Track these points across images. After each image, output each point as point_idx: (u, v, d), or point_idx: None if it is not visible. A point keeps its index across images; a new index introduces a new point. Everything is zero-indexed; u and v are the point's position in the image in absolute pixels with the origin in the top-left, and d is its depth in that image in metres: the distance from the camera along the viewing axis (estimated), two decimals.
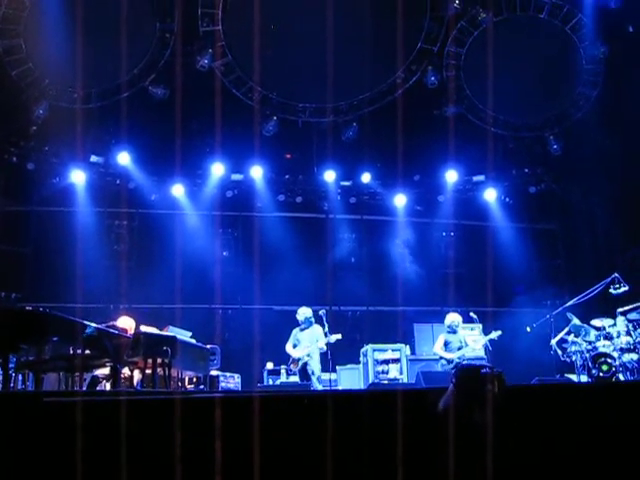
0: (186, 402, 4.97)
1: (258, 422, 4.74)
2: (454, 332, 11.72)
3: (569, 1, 13.91)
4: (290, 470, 4.87)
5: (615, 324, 10.52)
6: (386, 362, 12.98)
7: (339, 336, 11.52)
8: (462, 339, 11.71)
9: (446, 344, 11.64)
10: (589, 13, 13.78)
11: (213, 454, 4.66)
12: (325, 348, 11.43)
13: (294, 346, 11.76)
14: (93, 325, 8.00)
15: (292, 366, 11.74)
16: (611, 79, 14.24)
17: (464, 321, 12.16)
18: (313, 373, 11.45)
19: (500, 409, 4.20)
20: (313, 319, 11.78)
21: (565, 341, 10.92)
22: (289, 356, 11.77)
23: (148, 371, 8.78)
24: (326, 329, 11.37)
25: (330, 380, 11.47)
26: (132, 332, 9.31)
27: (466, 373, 4.48)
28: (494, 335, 11.55)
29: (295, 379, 11.93)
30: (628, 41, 13.59)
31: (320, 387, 11.32)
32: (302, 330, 11.79)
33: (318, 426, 4.91)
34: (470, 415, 4.25)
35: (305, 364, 11.53)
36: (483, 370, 4.39)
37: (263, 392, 7.81)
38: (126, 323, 9.77)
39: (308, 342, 11.59)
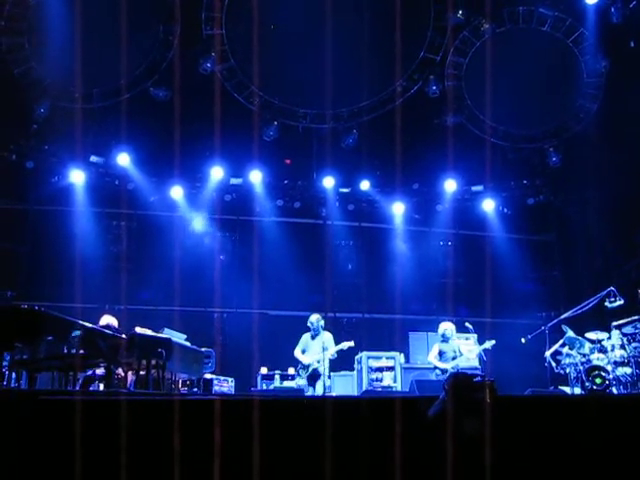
0: (182, 404, 4.96)
1: (254, 425, 4.74)
2: (447, 341, 11.72)
3: (571, 15, 13.98)
4: (284, 473, 4.87)
5: (610, 337, 10.51)
6: (380, 370, 12.93)
7: (351, 343, 11.49)
8: (456, 349, 11.70)
9: (441, 354, 11.62)
10: (591, 27, 13.86)
11: (210, 457, 4.65)
12: (336, 355, 11.41)
13: (303, 352, 11.72)
14: (88, 325, 8.00)
15: (301, 371, 11.67)
16: (611, 93, 14.29)
17: (459, 330, 12.16)
18: (320, 378, 11.40)
19: (492, 418, 4.20)
20: (323, 326, 11.76)
21: (559, 353, 10.91)
22: (285, 361, 11.72)
23: (142, 373, 8.77)
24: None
25: (324, 386, 11.46)
26: None
27: (458, 380, 4.48)
28: (488, 345, 11.55)
29: (289, 384, 11.90)
30: (629, 56, 13.64)
31: (320, 392, 11.28)
32: (312, 337, 11.74)
33: (313, 431, 4.92)
34: (461, 423, 4.25)
35: (315, 370, 11.48)
36: (475, 378, 4.40)
37: (258, 395, 7.80)
38: (108, 322, 9.78)
39: (318, 349, 11.49)
